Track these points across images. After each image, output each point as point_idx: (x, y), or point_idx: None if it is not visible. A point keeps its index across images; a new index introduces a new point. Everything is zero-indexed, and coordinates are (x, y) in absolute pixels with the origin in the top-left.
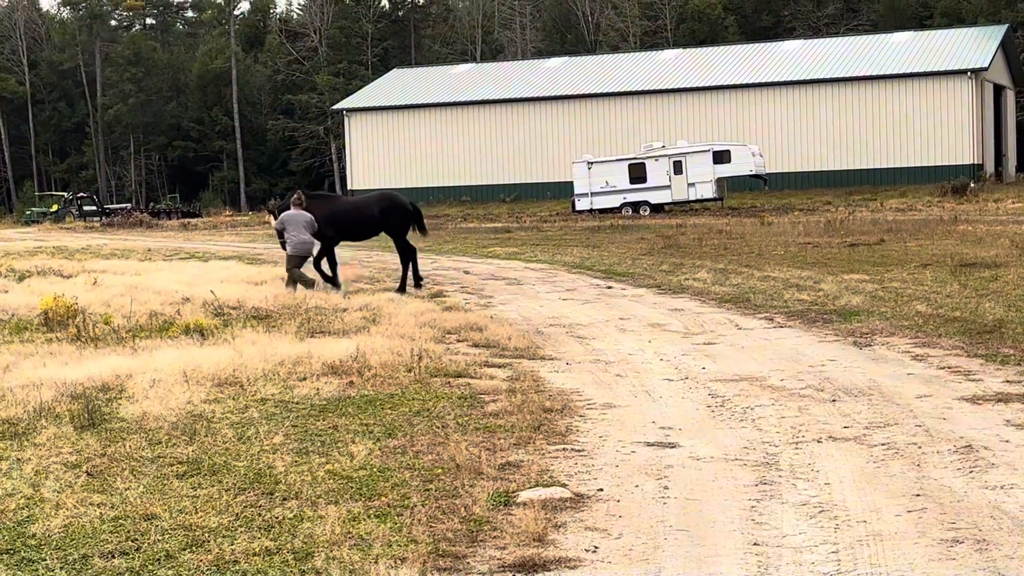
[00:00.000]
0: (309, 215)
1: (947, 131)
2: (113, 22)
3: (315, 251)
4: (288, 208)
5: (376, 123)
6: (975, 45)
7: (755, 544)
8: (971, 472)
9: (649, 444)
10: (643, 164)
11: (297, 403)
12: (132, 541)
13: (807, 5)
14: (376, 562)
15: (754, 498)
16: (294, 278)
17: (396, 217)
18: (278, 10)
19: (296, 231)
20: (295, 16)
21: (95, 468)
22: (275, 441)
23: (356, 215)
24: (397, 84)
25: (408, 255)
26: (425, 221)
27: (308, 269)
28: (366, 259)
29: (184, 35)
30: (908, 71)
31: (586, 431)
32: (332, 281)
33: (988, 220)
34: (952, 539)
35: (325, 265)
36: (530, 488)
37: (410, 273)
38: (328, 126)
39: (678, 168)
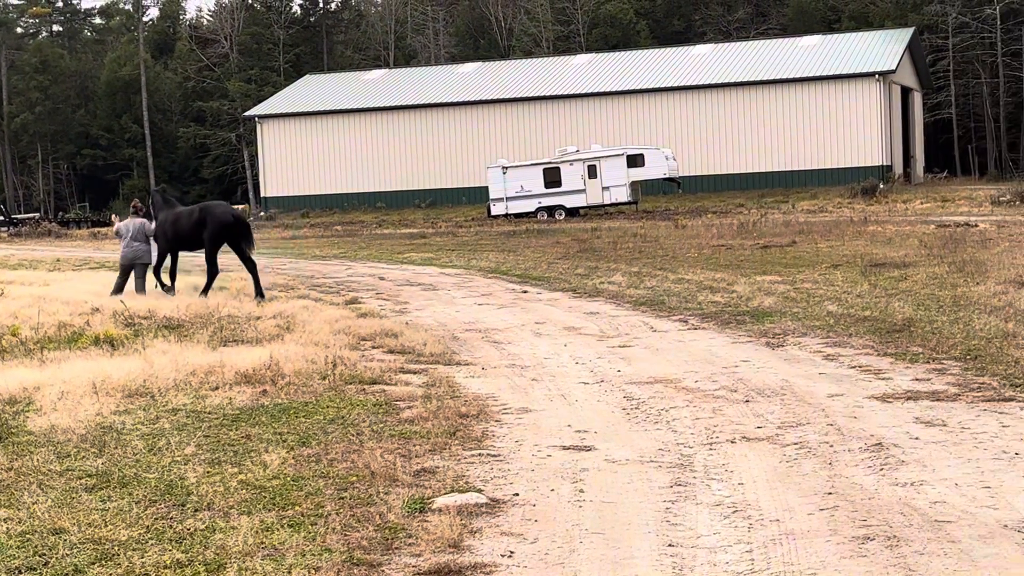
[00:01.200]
0: (143, 221)
1: (856, 133)
2: (19, 29)
3: (152, 257)
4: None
5: (289, 129)
6: (882, 48)
7: (670, 545)
8: (882, 470)
9: (565, 448)
10: (558, 168)
11: (209, 413)
12: (40, 556)
13: (717, 10)
14: (289, 572)
15: (669, 499)
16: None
17: (209, 229)
18: (188, 16)
19: (127, 238)
20: (205, 22)
21: (1, 482)
22: (187, 452)
23: (178, 224)
24: (309, 90)
25: (213, 270)
26: (254, 236)
27: (151, 277)
28: (279, 267)
29: (92, 42)
30: (817, 74)
31: (502, 436)
32: (167, 287)
33: (897, 220)
34: (863, 536)
35: (165, 274)
36: (445, 494)
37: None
38: (240, 133)
39: (592, 172)
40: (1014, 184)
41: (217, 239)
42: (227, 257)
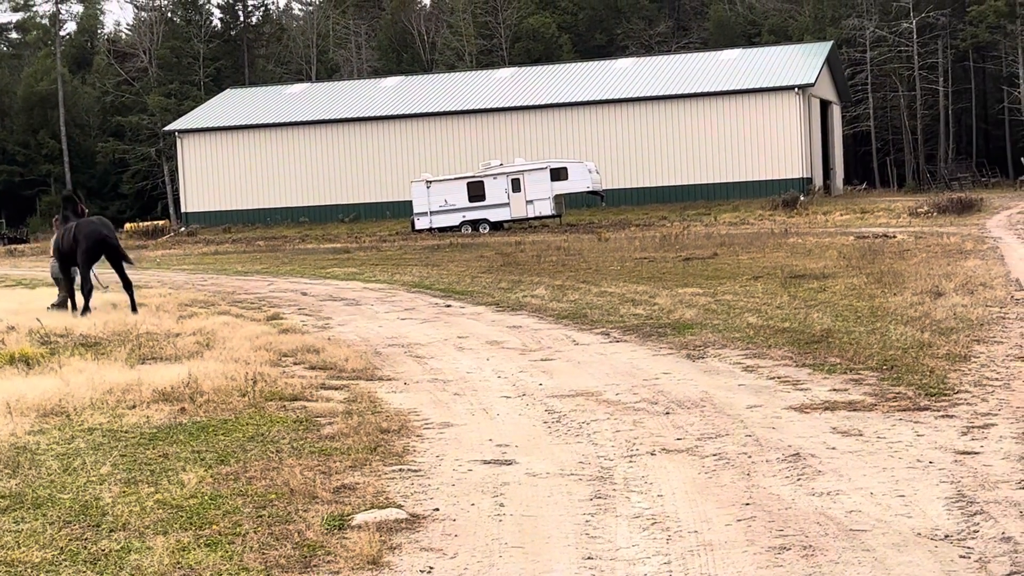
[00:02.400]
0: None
1: (777, 146)
2: None
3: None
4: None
5: (209, 144)
6: (802, 61)
7: (589, 558)
8: (799, 480)
9: (486, 462)
10: (481, 182)
11: (126, 432)
12: None
13: (639, 24)
14: None
15: (589, 512)
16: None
17: (81, 246)
18: (106, 31)
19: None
20: (124, 36)
21: None
22: (102, 471)
23: (64, 241)
24: (230, 104)
25: (86, 286)
26: (126, 256)
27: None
28: (200, 283)
29: (8, 57)
30: (738, 87)
31: (423, 451)
32: (65, 303)
33: (817, 232)
34: (780, 546)
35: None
36: (365, 510)
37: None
38: (160, 148)
39: (516, 186)
40: (931, 196)
41: (89, 255)
42: (147, 274)
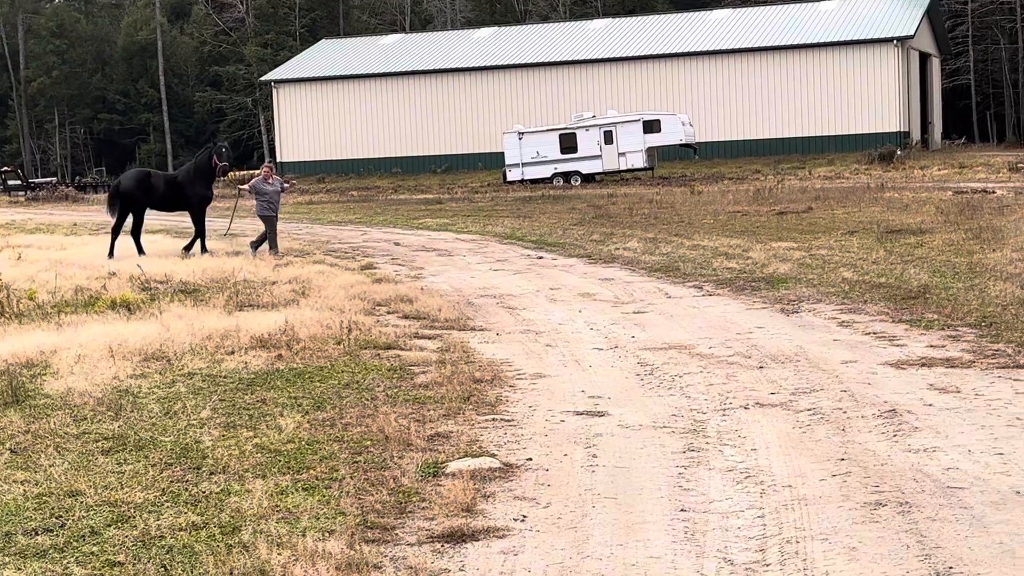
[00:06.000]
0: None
1: (874, 99)
2: None
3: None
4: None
5: (305, 94)
6: (901, 13)
7: (682, 510)
8: (895, 436)
9: (578, 413)
10: (574, 134)
11: (225, 377)
12: (56, 518)
13: None
14: (304, 535)
15: (682, 465)
16: None
17: None
18: None
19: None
20: None
21: (19, 445)
22: (202, 415)
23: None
24: (325, 55)
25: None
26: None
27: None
28: (295, 232)
29: (108, 6)
30: (835, 39)
31: (516, 401)
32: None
33: (914, 187)
34: (875, 502)
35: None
36: (459, 459)
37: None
38: (256, 98)
39: (608, 138)
40: None
41: (113, 203)
42: (243, 223)
